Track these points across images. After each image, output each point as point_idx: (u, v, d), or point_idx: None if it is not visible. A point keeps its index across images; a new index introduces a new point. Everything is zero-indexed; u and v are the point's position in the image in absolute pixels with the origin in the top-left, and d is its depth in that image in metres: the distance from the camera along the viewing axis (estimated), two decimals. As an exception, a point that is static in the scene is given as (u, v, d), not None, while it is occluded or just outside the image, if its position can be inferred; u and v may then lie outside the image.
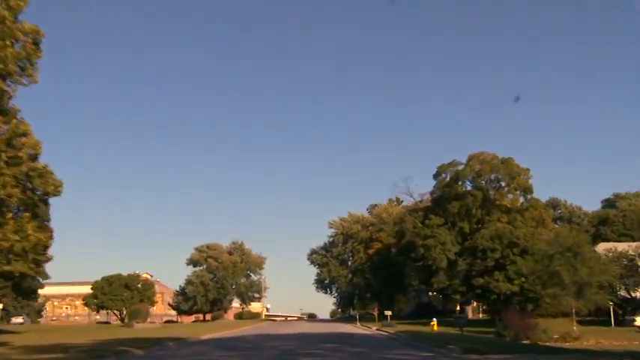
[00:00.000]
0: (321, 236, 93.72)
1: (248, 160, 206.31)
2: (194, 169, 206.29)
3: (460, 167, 60.02)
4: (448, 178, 61.56)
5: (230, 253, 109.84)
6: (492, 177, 59.82)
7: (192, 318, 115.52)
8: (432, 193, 64.25)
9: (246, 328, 50.54)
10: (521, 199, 58.56)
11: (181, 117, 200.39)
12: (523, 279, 45.69)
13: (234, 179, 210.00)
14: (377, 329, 42.47)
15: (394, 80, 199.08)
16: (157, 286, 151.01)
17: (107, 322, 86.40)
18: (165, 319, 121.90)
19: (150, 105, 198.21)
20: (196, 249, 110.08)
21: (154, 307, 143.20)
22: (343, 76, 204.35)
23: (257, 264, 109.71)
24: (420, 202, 63.77)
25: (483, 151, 60.41)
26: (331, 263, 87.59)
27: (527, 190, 58.09)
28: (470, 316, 60.05)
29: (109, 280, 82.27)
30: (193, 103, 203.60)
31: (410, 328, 39.39)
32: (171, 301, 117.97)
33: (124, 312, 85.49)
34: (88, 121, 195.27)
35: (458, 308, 74.68)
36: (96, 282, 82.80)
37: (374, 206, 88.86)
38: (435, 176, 62.62)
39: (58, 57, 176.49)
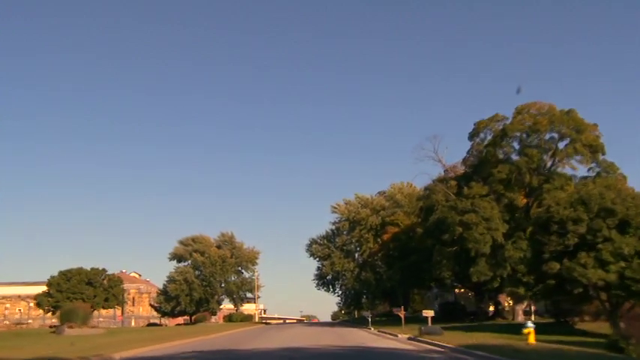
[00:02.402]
0: (323, 229, 76.83)
1: (242, 147, 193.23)
2: (189, 164, 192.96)
3: (507, 122, 44.21)
4: (489, 137, 45.68)
5: (218, 247, 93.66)
6: (547, 136, 43.89)
7: (180, 320, 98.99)
8: (465, 160, 48.29)
9: (217, 336, 34.68)
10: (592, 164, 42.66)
11: (167, 112, 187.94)
12: (623, 263, 29.67)
13: (228, 170, 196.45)
14: (411, 338, 26.46)
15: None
16: (143, 286, 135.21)
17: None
18: (152, 320, 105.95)
19: (135, 101, 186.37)
20: (180, 242, 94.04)
21: (141, 308, 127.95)
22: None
23: (249, 259, 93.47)
24: (454, 167, 47.72)
25: (536, 100, 44.59)
26: (335, 255, 70.99)
27: (597, 150, 42.19)
28: (519, 318, 44.05)
29: (66, 275, 66.15)
30: (178, 100, 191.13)
31: (475, 338, 23.41)
32: (153, 302, 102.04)
33: (86, 313, 69.52)
34: (73, 119, 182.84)
35: (492, 308, 58.72)
36: (52, 277, 66.86)
37: (382, 193, 72.82)
38: (472, 136, 46.62)
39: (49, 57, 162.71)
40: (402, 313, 33.10)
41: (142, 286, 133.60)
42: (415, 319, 61.32)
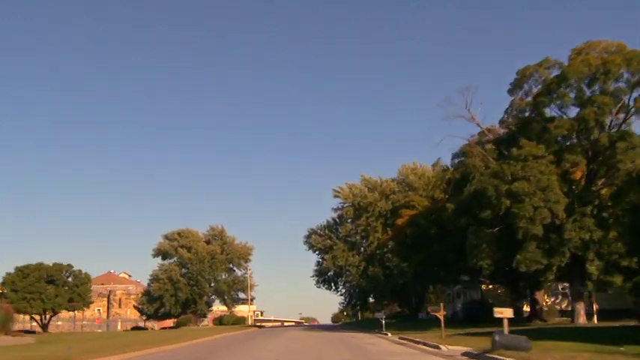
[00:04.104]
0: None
1: (236, 140, 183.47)
2: (183, 162, 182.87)
3: (563, 67, 33.37)
4: (536, 89, 34.80)
5: (207, 242, 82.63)
6: (613, 85, 33.07)
7: (169, 323, 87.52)
8: (502, 120, 37.32)
9: (176, 348, 23.78)
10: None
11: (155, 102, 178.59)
12: None
13: (223, 166, 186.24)
14: (472, 355, 15.57)
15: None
16: (132, 287, 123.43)
17: (28, 331, 58.59)
18: (140, 324, 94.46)
19: (131, 101, 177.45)
20: (165, 237, 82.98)
21: (128, 311, 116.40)
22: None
23: (242, 255, 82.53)
24: (490, 129, 36.60)
25: (600, 39, 33.76)
26: (337, 247, 59.52)
27: (684, 98, 31.36)
28: (581, 320, 33.03)
29: (23, 272, 55.18)
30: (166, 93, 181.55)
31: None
32: (136, 303, 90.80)
33: (47, 316, 58.41)
34: (70, 119, 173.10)
35: (527, 308, 47.57)
36: (7, 275, 55.79)
37: (393, 180, 61.45)
38: (513, 89, 35.55)
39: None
40: (441, 314, 22.25)
41: (131, 287, 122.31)
42: (434, 321, 50.24)
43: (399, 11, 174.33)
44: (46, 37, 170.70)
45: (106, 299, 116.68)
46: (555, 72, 33.77)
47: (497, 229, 32.12)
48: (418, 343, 22.77)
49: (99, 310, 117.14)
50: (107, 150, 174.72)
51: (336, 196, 59.33)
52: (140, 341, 26.95)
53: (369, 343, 23.86)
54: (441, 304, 22.94)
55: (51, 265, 56.41)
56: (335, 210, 60.91)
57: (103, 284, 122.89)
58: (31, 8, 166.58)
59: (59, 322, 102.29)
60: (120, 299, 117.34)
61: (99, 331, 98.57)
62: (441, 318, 22.29)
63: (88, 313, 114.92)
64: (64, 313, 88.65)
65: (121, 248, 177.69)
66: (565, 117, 33.35)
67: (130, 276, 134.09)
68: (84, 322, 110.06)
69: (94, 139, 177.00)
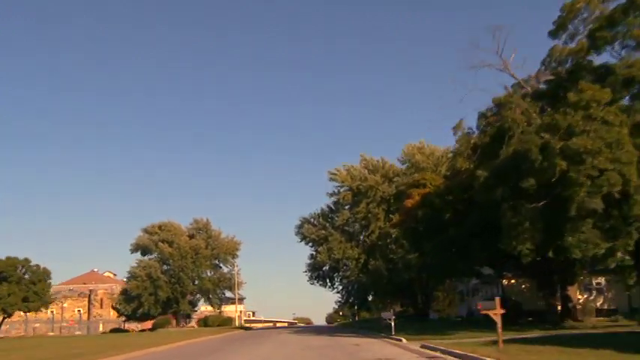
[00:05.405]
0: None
1: (235, 134, 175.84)
2: (176, 158, 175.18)
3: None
4: (585, 31, 27.11)
5: (191, 236, 74.48)
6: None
7: (150, 324, 78.97)
8: (539, 74, 29.53)
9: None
10: None
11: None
12: None
13: (222, 161, 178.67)
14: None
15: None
16: (115, 286, 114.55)
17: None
18: (124, 326, 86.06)
19: (127, 101, 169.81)
20: (145, 230, 74.71)
21: (111, 311, 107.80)
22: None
23: (228, 250, 74.40)
24: (528, 80, 28.58)
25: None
26: (333, 238, 51.39)
27: None
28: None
29: (-31, 267, 46.99)
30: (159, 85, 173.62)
31: None
32: (115, 304, 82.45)
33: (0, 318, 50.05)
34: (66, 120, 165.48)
35: (560, 307, 39.73)
36: (-49, 271, 47.44)
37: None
38: (556, 30, 27.90)
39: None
40: (497, 314, 14.43)
41: (115, 287, 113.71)
42: (447, 323, 42.60)
43: (399, 11, 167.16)
44: (46, 37, 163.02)
45: (86, 299, 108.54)
46: (614, 6, 26.14)
47: (542, 202, 24.29)
48: (462, 357, 14.82)
49: (79, 310, 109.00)
50: (107, 150, 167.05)
51: (332, 179, 51.18)
52: (63, 354, 18.86)
53: (388, 357, 15.90)
54: (496, 299, 15.09)
55: (3, 259, 48.12)
56: (331, 195, 52.68)
57: (84, 283, 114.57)
58: (31, 8, 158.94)
59: (37, 324, 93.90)
60: (102, 299, 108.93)
61: (78, 333, 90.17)
62: (497, 319, 14.43)
63: (67, 314, 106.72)
64: (42, 314, 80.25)
65: (113, 248, 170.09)
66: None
67: (114, 275, 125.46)
68: (63, 324, 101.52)
69: (94, 139, 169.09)
